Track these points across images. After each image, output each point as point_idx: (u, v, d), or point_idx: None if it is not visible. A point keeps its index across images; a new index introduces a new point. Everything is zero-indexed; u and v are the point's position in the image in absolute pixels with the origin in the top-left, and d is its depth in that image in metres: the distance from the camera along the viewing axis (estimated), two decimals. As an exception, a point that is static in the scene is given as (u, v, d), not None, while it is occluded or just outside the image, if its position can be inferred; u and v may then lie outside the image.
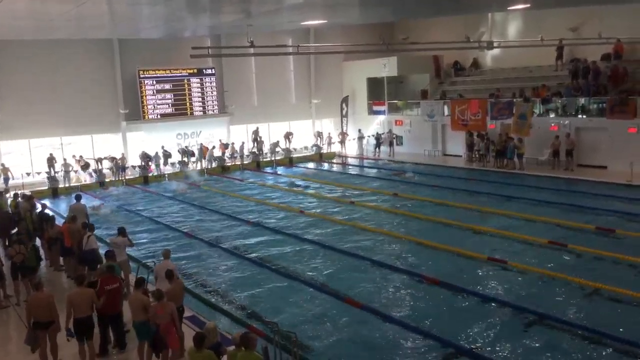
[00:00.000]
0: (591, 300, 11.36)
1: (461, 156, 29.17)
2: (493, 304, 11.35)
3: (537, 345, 9.61)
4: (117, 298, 9.59)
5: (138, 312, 8.99)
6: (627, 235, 15.21)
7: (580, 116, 25.20)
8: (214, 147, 31.10)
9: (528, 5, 22.41)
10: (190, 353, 7.62)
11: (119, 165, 28.06)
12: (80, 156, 27.89)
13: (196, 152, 30.54)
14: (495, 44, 22.67)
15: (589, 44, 24.95)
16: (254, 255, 15.44)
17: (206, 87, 31.76)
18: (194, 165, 30.51)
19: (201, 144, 30.92)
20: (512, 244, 15.23)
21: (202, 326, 9.00)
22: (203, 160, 30.57)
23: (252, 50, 18.29)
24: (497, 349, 9.55)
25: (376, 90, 34.90)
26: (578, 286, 11.96)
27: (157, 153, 29.28)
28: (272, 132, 33.99)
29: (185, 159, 30.14)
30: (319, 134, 34.85)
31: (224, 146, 31.31)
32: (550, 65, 28.85)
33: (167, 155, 29.69)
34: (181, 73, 31.03)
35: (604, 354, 9.21)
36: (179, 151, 30.35)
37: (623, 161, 21.89)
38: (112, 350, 9.74)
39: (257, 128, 32.80)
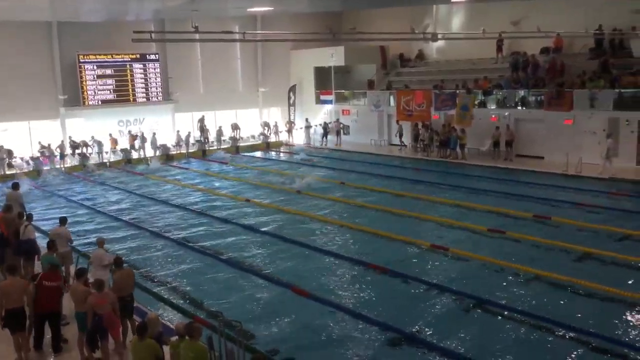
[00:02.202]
0: (529, 285, 11.79)
1: (406, 146, 29.64)
2: (436, 290, 11.63)
3: (477, 328, 9.93)
4: (55, 296, 9.15)
5: (79, 303, 8.78)
6: (562, 222, 15.87)
7: (519, 108, 26.05)
8: (135, 136, 29.80)
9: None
10: (132, 343, 7.50)
11: (55, 153, 27.12)
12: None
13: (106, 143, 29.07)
14: (439, 36, 23.05)
15: (527, 38, 25.75)
16: (198, 244, 15.26)
17: (149, 73, 30.96)
18: (138, 153, 29.76)
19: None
20: (454, 232, 15.64)
21: (145, 317, 8.84)
22: (142, 150, 29.80)
23: (197, 36, 17.98)
24: (440, 333, 9.81)
25: (324, 79, 34.97)
26: (516, 272, 12.40)
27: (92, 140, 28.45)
28: (218, 121, 33.52)
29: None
30: (266, 124, 34.61)
31: (133, 138, 29.85)
32: (492, 58, 29.66)
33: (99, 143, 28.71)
34: (123, 58, 30.12)
35: (541, 337, 9.60)
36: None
37: (559, 152, 22.79)
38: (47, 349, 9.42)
39: (203, 117, 32.28)
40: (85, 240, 15.49)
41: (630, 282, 11.60)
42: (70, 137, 28.60)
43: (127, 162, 29.28)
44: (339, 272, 13.00)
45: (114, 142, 29.51)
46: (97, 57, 29.25)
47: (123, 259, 10.02)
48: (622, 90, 22.73)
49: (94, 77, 29.22)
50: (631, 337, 9.41)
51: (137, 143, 29.87)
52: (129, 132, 30.29)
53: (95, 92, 29.34)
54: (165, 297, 11.77)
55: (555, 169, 22.40)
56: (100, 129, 29.16)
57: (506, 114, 25.92)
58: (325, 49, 32.93)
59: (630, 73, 23.33)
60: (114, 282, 9.33)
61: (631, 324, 9.90)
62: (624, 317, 10.17)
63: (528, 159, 24.95)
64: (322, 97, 34.84)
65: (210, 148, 31.94)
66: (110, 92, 29.88)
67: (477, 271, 12.71)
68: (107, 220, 18.19)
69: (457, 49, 30.71)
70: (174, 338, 7.80)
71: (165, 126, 31.88)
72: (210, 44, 30.29)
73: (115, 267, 9.57)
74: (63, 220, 12.12)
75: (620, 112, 22.36)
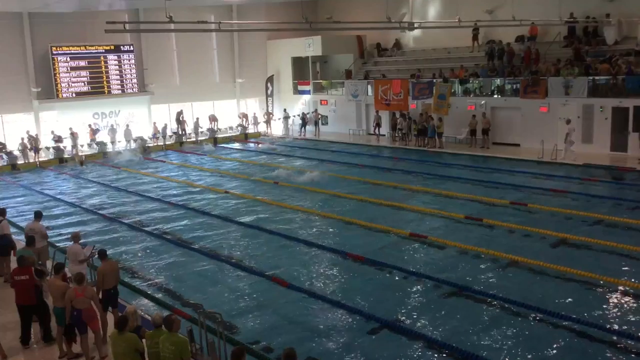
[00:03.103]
0: (506, 271, 11.96)
1: (385, 135, 29.76)
2: (415, 278, 11.74)
3: (456, 315, 10.06)
4: (28, 289, 9.10)
5: (58, 298, 8.72)
6: (538, 209, 16.11)
7: (495, 96, 26.30)
8: (96, 130, 29.20)
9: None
10: (112, 337, 7.46)
11: (30, 147, 26.66)
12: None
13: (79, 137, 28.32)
14: (415, 25, 23.13)
15: (502, 26, 25.96)
16: (177, 237, 15.18)
17: (124, 65, 30.53)
18: (114, 147, 29.40)
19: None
20: (433, 220, 15.78)
21: (123, 310, 8.80)
22: (117, 142, 29.38)
23: (172, 27, 17.76)
24: (419, 320, 9.92)
25: (301, 69, 34.86)
26: (494, 258, 12.57)
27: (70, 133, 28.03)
28: (195, 112, 33.24)
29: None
30: (244, 115, 34.45)
31: (93, 132, 29.15)
32: (468, 47, 29.85)
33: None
34: (97, 50, 29.65)
35: (520, 322, 9.74)
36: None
37: (534, 139, 23.11)
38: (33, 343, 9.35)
39: (181, 110, 31.88)
40: (62, 236, 15.31)
41: (603, 266, 11.83)
42: (52, 132, 28.06)
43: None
44: (318, 261, 13.03)
45: (92, 132, 29.10)
46: (71, 48, 28.73)
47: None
48: (596, 78, 23.08)
49: (67, 69, 28.74)
50: (606, 319, 9.61)
51: (109, 136, 29.45)
52: (89, 125, 29.38)
53: (69, 85, 28.86)
54: (145, 290, 11.70)
55: (530, 156, 22.71)
56: (75, 122, 28.69)
57: (482, 102, 26.16)
58: (302, 39, 32.84)
59: (603, 60, 23.69)
60: (99, 275, 9.25)
61: (606, 307, 10.11)
62: (599, 300, 10.38)
63: (504, 146, 25.24)
64: (300, 88, 34.78)
65: (188, 140, 31.70)
66: (85, 84, 29.43)
67: (455, 258, 12.84)
68: (83, 214, 17.98)
69: (434, 38, 30.87)
70: (152, 331, 7.76)
71: (142, 118, 31.52)
72: (186, 35, 30.00)
73: (100, 259, 9.48)
74: (38, 215, 11.96)
75: (595, 99, 22.73)
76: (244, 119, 34.24)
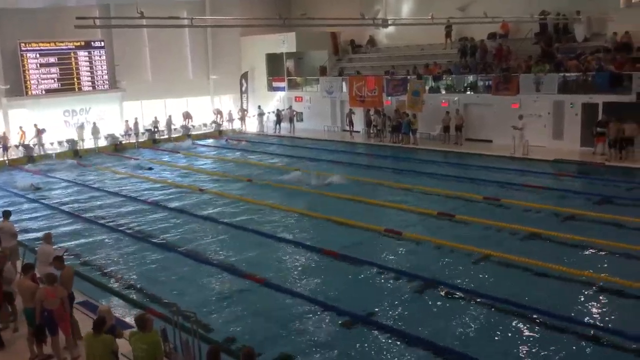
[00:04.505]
0: (480, 266, 12.10)
1: (359, 132, 29.83)
2: (390, 274, 11.79)
3: (430, 310, 10.14)
4: None
5: (27, 299, 8.56)
6: (511, 204, 16.32)
7: (468, 93, 26.55)
8: (41, 130, 27.49)
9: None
10: (87, 338, 7.29)
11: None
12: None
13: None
14: (389, 22, 23.25)
15: (475, 23, 26.21)
16: (151, 236, 15.00)
17: (95, 61, 30.03)
18: (82, 144, 28.88)
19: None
20: (408, 216, 15.86)
21: (96, 310, 8.66)
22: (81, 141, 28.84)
23: (143, 22, 17.54)
24: (394, 315, 9.98)
25: (276, 66, 34.73)
26: (467, 253, 12.69)
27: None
28: (169, 109, 32.88)
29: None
30: (219, 112, 34.19)
31: (39, 131, 27.47)
32: (441, 44, 30.05)
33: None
34: (67, 46, 29.12)
35: (493, 315, 9.86)
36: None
37: (507, 135, 23.35)
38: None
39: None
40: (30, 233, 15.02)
41: (573, 259, 12.04)
42: (35, 125, 27.44)
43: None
44: (294, 258, 13.02)
45: (40, 132, 27.58)
46: (40, 45, 28.18)
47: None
48: (566, 74, 23.45)
49: (36, 66, 28.17)
50: (576, 311, 9.79)
51: (78, 133, 28.86)
52: (35, 125, 27.65)
53: (38, 82, 28.30)
54: (118, 289, 11.55)
55: (503, 152, 22.98)
56: (43, 119, 28.11)
57: (455, 98, 26.39)
58: (276, 35, 32.71)
59: (574, 57, 24.08)
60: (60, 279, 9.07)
61: (576, 299, 10.29)
62: (570, 294, 10.56)
63: (477, 142, 25.49)
64: (275, 84, 34.63)
65: (161, 137, 31.34)
66: (55, 81, 28.89)
67: (430, 254, 12.94)
68: (54, 213, 17.66)
69: (407, 35, 31.00)
70: (128, 331, 7.66)
71: (114, 115, 31.05)
72: (159, 31, 29.60)
73: (58, 265, 9.28)
74: (7, 214, 11.71)
75: (565, 95, 23.08)
76: (219, 116, 33.99)
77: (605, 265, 11.77)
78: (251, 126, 34.33)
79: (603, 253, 12.40)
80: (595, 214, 14.97)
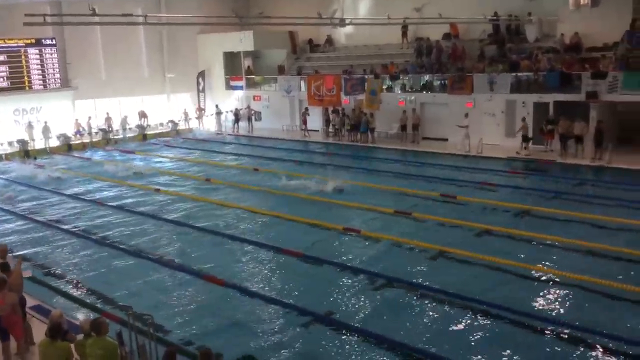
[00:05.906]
0: (436, 262, 12.31)
1: (318, 130, 29.89)
2: (349, 271, 11.87)
3: (389, 307, 10.25)
4: None
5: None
6: (466, 201, 16.66)
7: (424, 92, 26.94)
8: None
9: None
10: (42, 345, 7.07)
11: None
12: None
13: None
14: (347, 22, 23.37)
15: (429, 24, 26.63)
16: (104, 236, 14.67)
17: (46, 59, 29.16)
18: (33, 144, 27.98)
19: None
20: (365, 214, 15.98)
21: (48, 315, 8.42)
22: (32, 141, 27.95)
23: (96, 19, 17.13)
24: (353, 313, 10.05)
25: (233, 64, 34.44)
26: (424, 250, 12.89)
27: None
28: (124, 108, 32.19)
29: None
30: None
31: None
32: (398, 44, 30.40)
33: None
34: (17, 43, 28.18)
35: (450, 311, 10.04)
36: None
37: (462, 134, 23.76)
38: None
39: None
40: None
41: (526, 254, 12.39)
42: None
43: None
44: (252, 258, 12.94)
45: None
46: (-12, 42, 27.20)
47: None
48: (519, 74, 24.06)
49: (-16, 64, 27.19)
50: (529, 305, 10.06)
51: (27, 133, 27.93)
52: None
53: (-14, 80, 27.32)
54: (70, 292, 11.27)
55: (458, 150, 23.43)
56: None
57: (412, 98, 26.74)
58: (234, 34, 32.45)
59: (525, 57, 24.73)
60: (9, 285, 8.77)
61: (529, 293, 10.57)
62: (525, 289, 10.84)
63: (433, 141, 25.91)
64: (233, 83, 34.36)
65: (115, 137, 30.67)
66: (4, 79, 27.94)
67: (387, 251, 13.08)
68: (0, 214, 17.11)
69: (365, 34, 31.25)
70: (80, 336, 7.47)
71: (65, 114, 30.21)
72: (113, 28, 28.89)
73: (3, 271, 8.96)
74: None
75: (517, 94, 23.68)
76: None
77: (556, 258, 12.13)
78: (209, 125, 33.95)
79: (555, 248, 12.77)
80: (545, 209, 15.43)
